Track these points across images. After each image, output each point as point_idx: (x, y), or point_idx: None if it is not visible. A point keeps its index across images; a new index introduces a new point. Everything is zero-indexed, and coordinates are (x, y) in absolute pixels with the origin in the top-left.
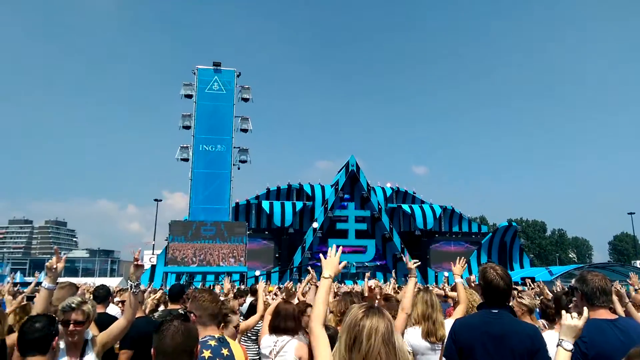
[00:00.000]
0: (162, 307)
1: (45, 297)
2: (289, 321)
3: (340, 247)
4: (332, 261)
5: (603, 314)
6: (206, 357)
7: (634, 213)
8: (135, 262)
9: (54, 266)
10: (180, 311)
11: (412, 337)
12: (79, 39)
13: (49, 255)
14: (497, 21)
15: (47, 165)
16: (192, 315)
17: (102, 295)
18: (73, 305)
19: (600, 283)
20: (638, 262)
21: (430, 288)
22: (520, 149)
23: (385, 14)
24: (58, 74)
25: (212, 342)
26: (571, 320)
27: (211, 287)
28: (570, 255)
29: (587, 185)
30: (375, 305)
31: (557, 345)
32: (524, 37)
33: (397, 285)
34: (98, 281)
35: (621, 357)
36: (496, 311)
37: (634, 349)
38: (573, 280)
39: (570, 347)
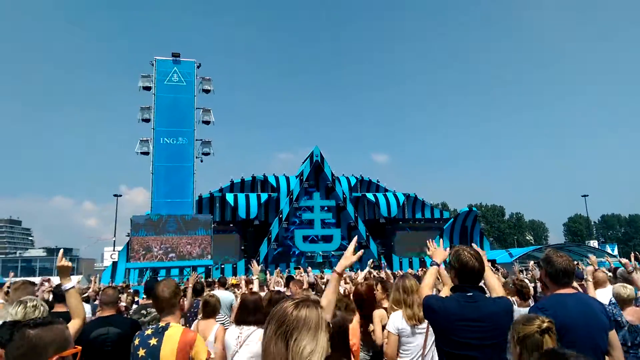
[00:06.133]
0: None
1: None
2: (257, 313)
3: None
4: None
5: (565, 290)
6: (135, 344)
7: (587, 195)
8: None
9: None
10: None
11: (397, 320)
12: (27, 31)
13: (4, 255)
14: (454, 11)
15: None
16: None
17: (61, 292)
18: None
19: (565, 264)
20: (592, 242)
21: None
22: (479, 136)
23: (346, 6)
24: (5, 66)
25: (148, 331)
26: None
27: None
28: (527, 238)
29: (542, 170)
30: (310, 297)
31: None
32: (487, 23)
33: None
34: (57, 281)
35: (581, 324)
36: (471, 294)
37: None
38: (531, 263)
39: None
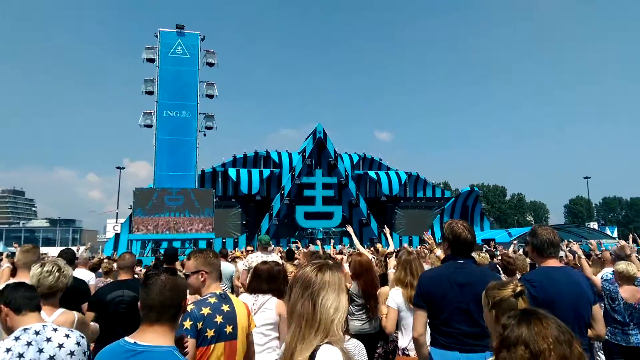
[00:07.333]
0: None
1: None
2: (271, 283)
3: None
4: None
5: (551, 262)
6: (205, 314)
7: (589, 177)
8: None
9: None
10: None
11: (397, 297)
12: (32, 3)
13: (7, 225)
14: None
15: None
16: (202, 272)
17: (68, 258)
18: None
19: (549, 236)
20: (592, 224)
21: (411, 250)
22: (482, 117)
23: None
24: (9, 37)
25: (212, 300)
26: None
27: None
28: (528, 219)
29: (545, 152)
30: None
31: None
32: (491, 7)
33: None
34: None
35: (567, 297)
36: (462, 261)
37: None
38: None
39: None
